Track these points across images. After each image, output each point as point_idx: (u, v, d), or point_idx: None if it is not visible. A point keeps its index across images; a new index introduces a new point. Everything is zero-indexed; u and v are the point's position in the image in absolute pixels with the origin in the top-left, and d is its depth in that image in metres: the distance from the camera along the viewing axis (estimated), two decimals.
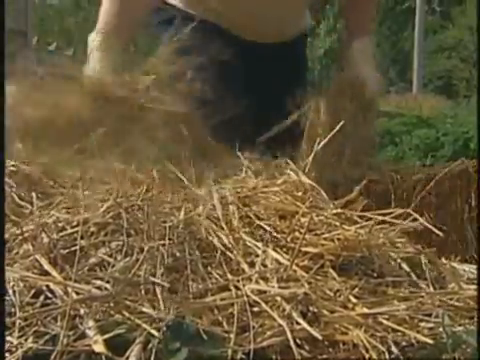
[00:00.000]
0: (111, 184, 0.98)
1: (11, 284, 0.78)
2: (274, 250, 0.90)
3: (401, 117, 4.96)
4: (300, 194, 1.06)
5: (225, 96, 1.31)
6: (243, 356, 0.71)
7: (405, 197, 1.42)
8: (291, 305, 0.77)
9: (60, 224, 0.89)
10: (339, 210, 1.02)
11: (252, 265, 0.87)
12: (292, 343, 0.72)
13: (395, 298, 0.84)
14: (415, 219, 0.98)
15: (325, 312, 0.78)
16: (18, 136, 1.14)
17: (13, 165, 1.04)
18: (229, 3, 1.56)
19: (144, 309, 0.74)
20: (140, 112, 1.22)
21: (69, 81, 1.28)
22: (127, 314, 0.73)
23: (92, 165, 1.07)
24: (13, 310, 0.75)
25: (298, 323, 0.75)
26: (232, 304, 0.77)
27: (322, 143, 1.20)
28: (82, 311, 0.73)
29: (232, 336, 0.72)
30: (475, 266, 1.01)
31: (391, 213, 0.99)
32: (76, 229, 0.87)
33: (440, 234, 1.00)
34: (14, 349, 0.70)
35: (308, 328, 0.73)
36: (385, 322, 0.78)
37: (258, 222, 0.96)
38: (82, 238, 0.85)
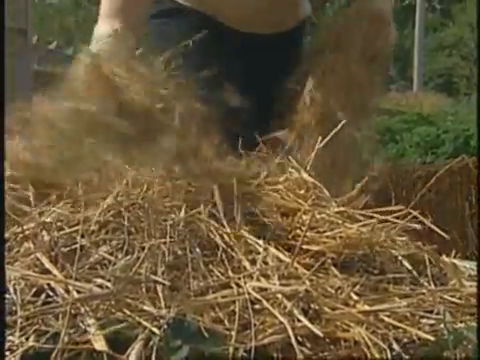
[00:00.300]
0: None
1: (12, 283, 0.78)
2: (276, 248, 0.90)
3: (402, 115, 4.96)
4: (302, 192, 1.06)
5: (224, 89, 1.30)
6: (244, 354, 0.71)
7: (405, 194, 1.42)
8: (292, 302, 0.77)
9: (60, 223, 0.89)
10: (341, 208, 1.02)
11: (253, 263, 0.87)
12: (293, 341, 0.72)
13: (396, 295, 0.84)
14: (415, 217, 0.98)
15: (326, 309, 0.78)
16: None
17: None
18: None
19: (145, 307, 0.74)
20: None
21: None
22: (128, 312, 0.73)
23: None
24: (14, 308, 0.75)
25: (299, 320, 0.75)
26: (233, 302, 0.77)
27: (323, 142, 1.19)
28: (83, 309, 0.73)
29: (233, 334, 0.72)
30: (476, 263, 1.01)
31: (392, 211, 0.99)
32: (77, 227, 0.87)
33: (444, 235, 1.00)
34: (15, 348, 0.70)
35: (309, 325, 0.73)
36: (386, 319, 0.78)
37: (260, 219, 0.96)
38: (83, 236, 0.86)
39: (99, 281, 0.78)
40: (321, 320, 0.76)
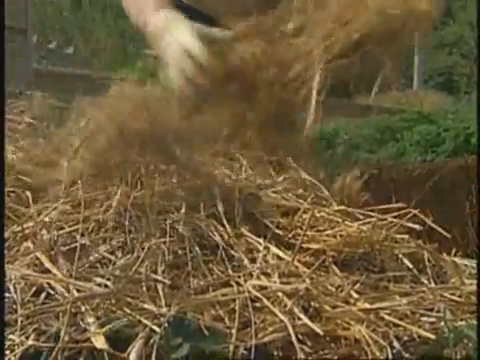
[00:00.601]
0: None
1: (12, 282, 0.78)
2: (276, 246, 0.90)
3: (402, 113, 4.96)
4: (301, 191, 1.06)
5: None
6: (244, 352, 0.71)
7: (406, 193, 1.42)
8: (293, 301, 0.77)
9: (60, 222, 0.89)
10: (341, 207, 1.02)
11: (253, 261, 0.87)
12: (294, 339, 0.72)
13: (397, 293, 0.84)
14: (415, 215, 0.98)
15: (327, 307, 0.78)
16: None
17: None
18: None
19: (145, 305, 0.74)
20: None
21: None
22: (128, 310, 0.73)
23: None
24: (14, 307, 0.75)
25: (299, 319, 0.75)
26: (233, 300, 0.77)
27: None
28: (83, 308, 0.73)
29: (233, 332, 0.72)
30: (476, 261, 1.01)
31: (393, 210, 0.99)
32: (77, 226, 0.87)
33: (445, 233, 1.00)
34: (15, 347, 0.70)
35: (309, 323, 0.73)
36: (387, 317, 0.78)
37: (260, 218, 0.96)
38: (83, 236, 0.86)
39: (99, 280, 0.78)
40: (321, 318, 0.76)
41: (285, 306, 0.76)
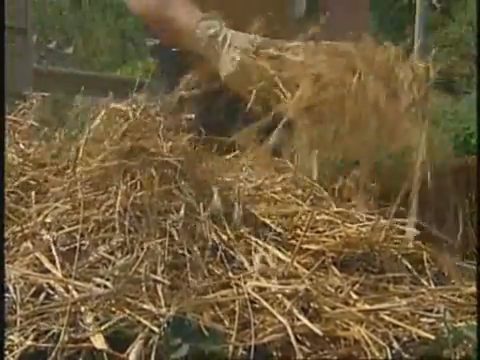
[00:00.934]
0: None
1: (12, 282, 0.78)
2: (276, 248, 0.90)
3: None
4: (300, 192, 1.06)
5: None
6: (244, 352, 0.71)
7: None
8: (292, 301, 0.77)
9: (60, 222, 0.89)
10: (340, 209, 1.02)
11: (252, 263, 0.87)
12: (293, 339, 0.72)
13: (396, 294, 0.84)
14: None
15: (326, 308, 0.78)
16: None
17: None
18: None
19: (145, 306, 0.74)
20: None
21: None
22: (128, 311, 0.73)
23: None
24: (14, 307, 0.75)
25: (299, 319, 0.75)
26: (233, 301, 0.77)
27: None
28: (82, 308, 0.73)
29: (233, 332, 0.72)
30: (475, 262, 1.01)
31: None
32: (76, 227, 0.87)
33: (445, 238, 1.00)
34: (15, 347, 0.70)
35: (308, 324, 0.73)
36: (386, 318, 0.78)
37: (261, 218, 0.96)
38: (82, 236, 0.85)
39: (98, 280, 0.78)
40: (321, 319, 0.76)
41: (284, 307, 0.76)
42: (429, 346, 0.75)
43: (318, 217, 0.97)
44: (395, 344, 0.74)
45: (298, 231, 0.95)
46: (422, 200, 1.06)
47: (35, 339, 0.71)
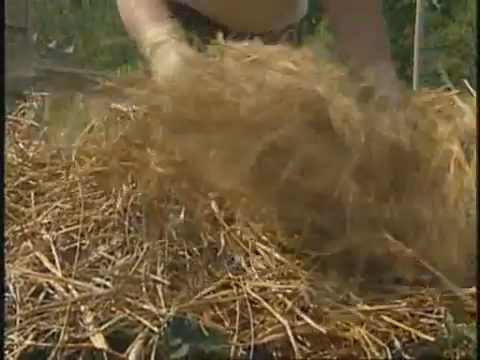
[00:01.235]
0: None
1: (12, 281, 0.78)
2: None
3: None
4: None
5: None
6: (244, 352, 0.71)
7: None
8: (292, 301, 0.76)
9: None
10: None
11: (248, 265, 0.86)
12: (292, 339, 0.72)
13: (396, 295, 0.84)
14: None
15: (326, 309, 0.78)
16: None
17: None
18: None
19: (145, 306, 0.74)
20: None
21: None
22: (128, 311, 0.73)
23: None
24: (14, 307, 0.75)
25: (299, 319, 0.75)
26: (233, 301, 0.77)
27: None
28: (82, 308, 0.73)
29: (233, 332, 0.72)
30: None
31: None
32: (76, 227, 0.87)
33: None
34: (14, 347, 0.70)
35: (311, 323, 0.73)
36: (386, 319, 0.78)
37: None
38: (82, 236, 0.85)
39: (98, 280, 0.78)
40: (321, 319, 0.76)
41: (285, 307, 0.76)
42: (429, 347, 0.75)
43: None
44: (396, 342, 0.74)
45: None
46: None
47: (35, 338, 0.71)
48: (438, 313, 0.79)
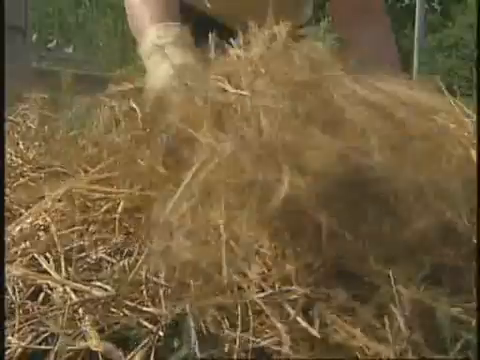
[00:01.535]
0: None
1: (10, 283, 0.78)
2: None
3: None
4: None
5: None
6: (243, 354, 0.70)
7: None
8: (293, 306, 0.76)
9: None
10: None
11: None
12: (292, 344, 0.71)
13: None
14: None
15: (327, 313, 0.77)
16: None
17: None
18: None
19: (145, 308, 0.74)
20: None
21: None
22: (127, 312, 0.73)
23: None
24: (12, 307, 0.75)
25: (298, 323, 0.74)
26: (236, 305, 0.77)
27: None
28: (81, 310, 0.73)
29: (234, 334, 0.72)
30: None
31: None
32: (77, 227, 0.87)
33: None
34: (13, 348, 0.70)
35: (309, 328, 0.73)
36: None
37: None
38: (82, 237, 0.85)
39: (98, 283, 0.77)
40: (322, 325, 0.76)
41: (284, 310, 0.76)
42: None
43: None
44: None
45: None
46: None
47: (33, 340, 0.71)
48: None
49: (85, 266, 0.82)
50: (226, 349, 0.70)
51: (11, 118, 1.17)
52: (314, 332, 0.72)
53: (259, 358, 0.71)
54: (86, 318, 0.72)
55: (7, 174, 0.98)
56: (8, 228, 0.88)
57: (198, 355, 0.69)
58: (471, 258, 0.80)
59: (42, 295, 0.78)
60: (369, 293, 0.77)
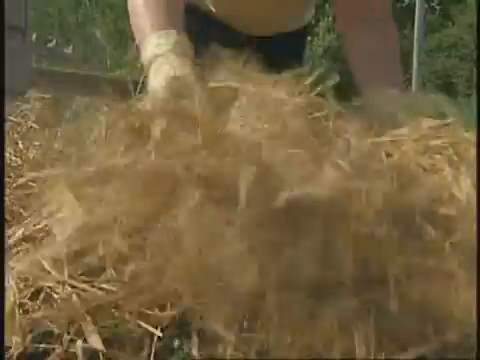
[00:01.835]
0: None
1: (11, 283, 0.78)
2: None
3: None
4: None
5: None
6: (242, 355, 0.70)
7: None
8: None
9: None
10: None
11: None
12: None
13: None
14: None
15: None
16: None
17: None
18: None
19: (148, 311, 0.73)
20: None
21: None
22: (127, 313, 0.73)
23: None
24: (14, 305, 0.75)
25: None
26: None
27: None
28: (82, 311, 0.73)
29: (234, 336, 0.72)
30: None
31: None
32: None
33: None
34: (13, 348, 0.70)
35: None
36: None
37: None
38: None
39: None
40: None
41: None
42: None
43: None
44: None
45: None
46: None
47: (34, 340, 0.71)
48: None
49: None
50: None
51: (11, 118, 1.17)
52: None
53: None
54: (87, 319, 0.72)
55: (7, 174, 0.98)
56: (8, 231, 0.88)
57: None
58: None
59: (42, 295, 0.77)
60: None
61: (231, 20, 1.55)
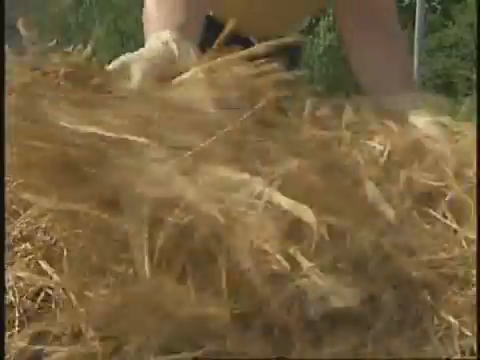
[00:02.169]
0: None
1: (10, 283, 0.78)
2: None
3: None
4: None
5: None
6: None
7: None
8: None
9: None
10: None
11: None
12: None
13: None
14: None
15: None
16: None
17: None
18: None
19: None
20: None
21: None
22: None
23: None
24: (13, 306, 0.75)
25: None
26: None
27: None
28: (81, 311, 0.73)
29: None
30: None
31: None
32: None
33: None
34: (12, 349, 0.70)
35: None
36: None
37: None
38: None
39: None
40: None
41: None
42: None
43: None
44: None
45: None
46: None
47: (33, 341, 0.71)
48: None
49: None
50: None
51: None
52: None
53: None
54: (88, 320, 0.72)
55: (7, 174, 0.98)
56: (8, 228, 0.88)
57: None
58: None
59: (42, 295, 0.77)
60: None
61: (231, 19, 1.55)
